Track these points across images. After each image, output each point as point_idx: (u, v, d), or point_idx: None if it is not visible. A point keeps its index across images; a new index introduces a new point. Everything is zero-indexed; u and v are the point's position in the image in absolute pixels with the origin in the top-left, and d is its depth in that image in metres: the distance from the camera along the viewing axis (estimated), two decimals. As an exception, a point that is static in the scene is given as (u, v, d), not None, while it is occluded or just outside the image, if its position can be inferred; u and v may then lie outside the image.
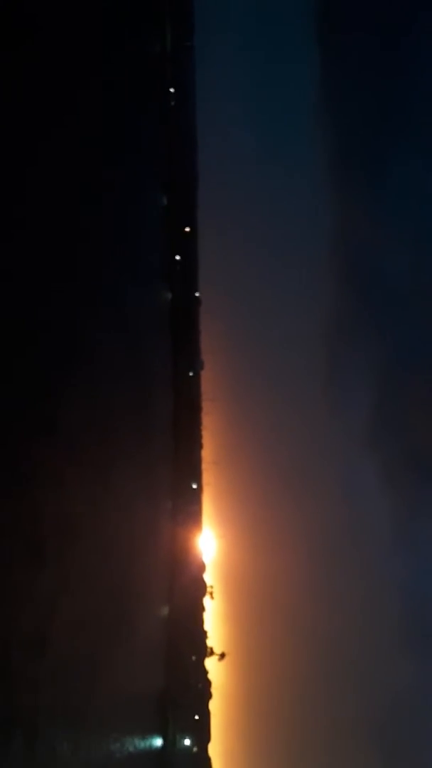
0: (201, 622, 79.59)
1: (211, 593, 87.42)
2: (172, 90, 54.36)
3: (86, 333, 17.75)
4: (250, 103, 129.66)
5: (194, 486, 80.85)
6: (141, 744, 33.15)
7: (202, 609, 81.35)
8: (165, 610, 50.01)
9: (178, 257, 56.26)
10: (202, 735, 65.55)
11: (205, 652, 78.29)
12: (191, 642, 65.78)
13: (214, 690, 76.72)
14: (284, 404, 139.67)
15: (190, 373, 71.45)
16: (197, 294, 70.96)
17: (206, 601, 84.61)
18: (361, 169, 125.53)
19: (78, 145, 16.89)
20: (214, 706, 75.01)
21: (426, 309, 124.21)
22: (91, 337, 18.37)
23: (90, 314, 18.36)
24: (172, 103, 54.75)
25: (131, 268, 29.50)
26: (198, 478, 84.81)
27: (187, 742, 58.01)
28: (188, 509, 73.38)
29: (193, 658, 68.03)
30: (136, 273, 31.93)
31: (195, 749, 60.47)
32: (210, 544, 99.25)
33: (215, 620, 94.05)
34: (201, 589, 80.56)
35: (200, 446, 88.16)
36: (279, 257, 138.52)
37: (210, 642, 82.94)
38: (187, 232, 61.96)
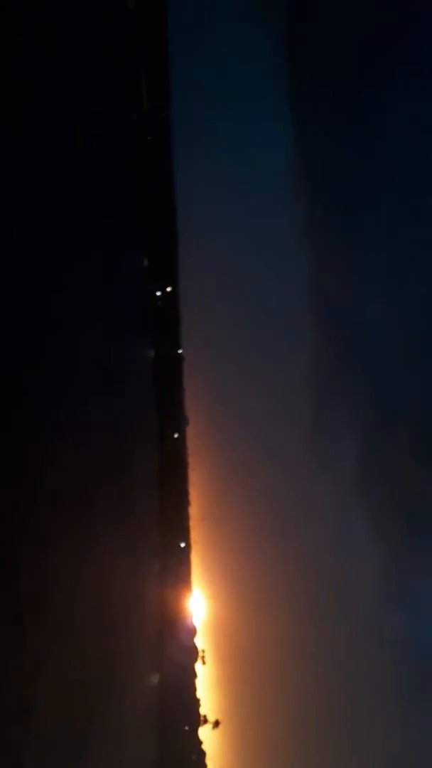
0: (193, 689, 76.52)
1: (203, 658, 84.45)
2: (147, 154, 56.59)
3: (67, 394, 17.79)
4: (225, 161, 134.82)
5: (182, 545, 79.37)
6: None
7: (194, 675, 78.37)
8: (155, 679, 48.12)
9: (159, 316, 57.18)
10: None
11: (198, 721, 74.92)
12: (183, 711, 63.06)
13: (209, 761, 73.00)
14: (270, 457, 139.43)
15: (175, 435, 71.37)
16: (180, 351, 71.76)
17: (198, 666, 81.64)
18: (338, 221, 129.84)
19: (53, 209, 17.38)
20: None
21: (408, 355, 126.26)
22: (73, 397, 18.40)
23: (71, 374, 18.46)
24: (148, 169, 56.90)
25: (112, 328, 29.86)
26: (186, 537, 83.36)
27: None
28: (177, 569, 71.79)
29: (186, 728, 65.02)
30: (117, 333, 32.32)
31: None
32: (200, 605, 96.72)
33: (208, 686, 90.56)
34: (192, 654, 77.81)
35: (187, 503, 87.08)
36: (260, 311, 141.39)
37: (203, 710, 79.51)
38: (168, 291, 63.20)
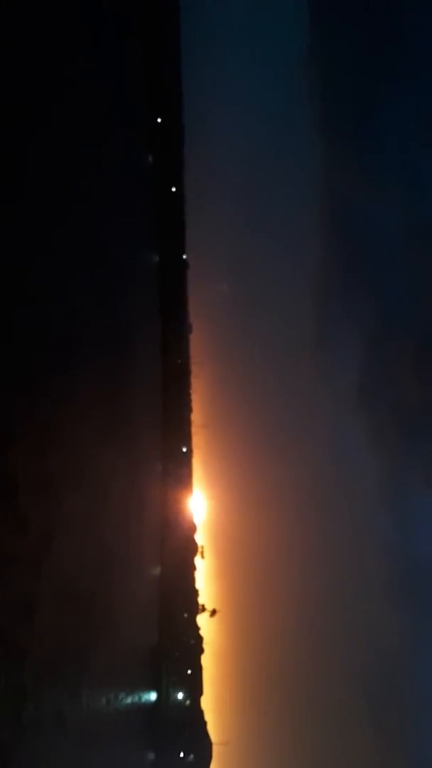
0: (192, 580, 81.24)
1: (202, 552, 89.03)
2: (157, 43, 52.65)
3: (70, 298, 17.54)
4: (238, 54, 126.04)
5: (184, 449, 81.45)
6: (136, 698, 34.19)
7: (194, 568, 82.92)
8: (157, 570, 50.98)
9: (164, 219, 55.33)
10: (195, 688, 67.62)
11: (196, 609, 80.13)
12: (183, 599, 67.26)
13: (206, 645, 78.86)
14: (273, 366, 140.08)
15: (179, 339, 71.22)
16: (185, 256, 70.15)
17: (197, 560, 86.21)
18: (351, 125, 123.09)
19: (68, 98, 16.38)
20: (206, 660, 77.25)
21: (416, 265, 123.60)
22: (75, 302, 18.16)
23: (73, 279, 18.11)
24: (158, 59, 53.07)
25: (116, 229, 28.99)
26: (188, 442, 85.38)
27: (180, 695, 59.90)
28: (178, 472, 74.06)
29: (185, 615, 69.67)
30: (121, 235, 31.42)
31: (188, 702, 62.48)
32: (201, 505, 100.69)
33: (206, 578, 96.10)
34: (192, 548, 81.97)
35: (190, 410, 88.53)
36: (267, 218, 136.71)
37: (201, 599, 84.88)
38: (173, 192, 60.81)
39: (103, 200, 24.33)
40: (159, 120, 52.40)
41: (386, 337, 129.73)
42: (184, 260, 70.43)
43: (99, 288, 22.99)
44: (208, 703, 73.94)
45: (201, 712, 68.02)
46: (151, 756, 43.68)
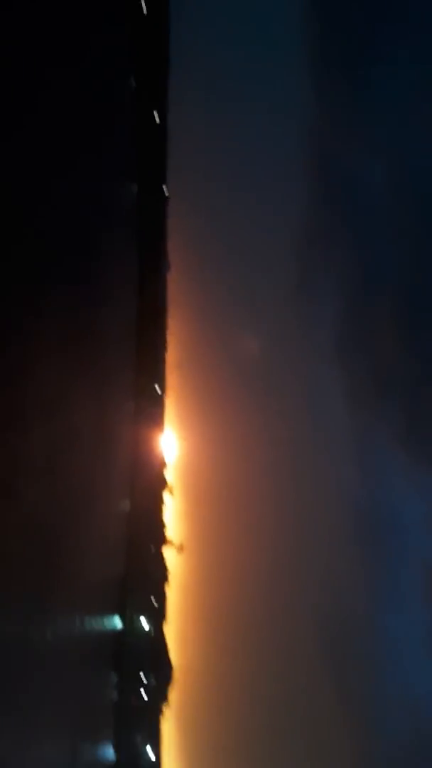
0: (161, 516, 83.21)
1: (171, 490, 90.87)
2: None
3: (39, 229, 16.91)
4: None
5: (157, 389, 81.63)
6: (101, 624, 35.48)
7: (163, 504, 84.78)
8: (126, 505, 51.96)
9: (145, 149, 53.20)
10: (159, 618, 70.40)
11: (164, 543, 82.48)
12: (151, 534, 69.05)
13: (172, 578, 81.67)
14: (252, 312, 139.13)
15: (156, 278, 69.96)
16: (165, 191, 68.01)
17: (167, 497, 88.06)
18: (344, 69, 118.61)
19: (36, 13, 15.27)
20: (171, 592, 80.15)
21: (400, 225, 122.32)
22: (45, 233, 17.53)
23: (44, 209, 17.41)
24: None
25: (92, 156, 27.80)
26: (161, 382, 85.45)
27: (144, 623, 62.30)
28: (151, 411, 74.47)
29: (152, 548, 71.68)
30: (98, 162, 30.17)
31: (152, 630, 65.10)
32: (172, 445, 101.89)
33: (176, 516, 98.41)
34: (161, 484, 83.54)
35: (164, 350, 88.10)
36: (253, 157, 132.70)
37: (169, 535, 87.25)
38: (155, 120, 58.28)
39: (78, 124, 23.20)
40: (142, 47, 49.65)
41: (366, 292, 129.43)
42: (165, 194, 68.32)
43: (72, 219, 22.23)
44: (171, 631, 77.24)
45: (164, 639, 71.11)
46: (115, 679, 45.75)
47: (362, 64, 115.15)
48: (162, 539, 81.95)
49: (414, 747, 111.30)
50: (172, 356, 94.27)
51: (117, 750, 45.17)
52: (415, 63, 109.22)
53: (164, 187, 67.27)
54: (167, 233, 75.49)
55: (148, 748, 61.02)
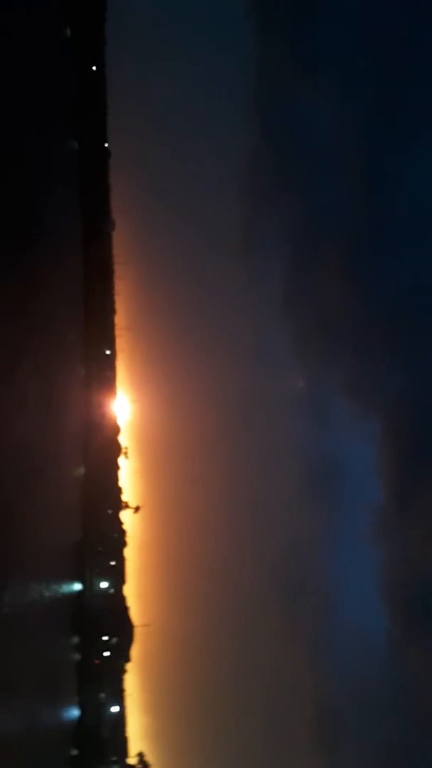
0: (116, 479, 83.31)
1: (125, 453, 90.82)
2: None
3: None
4: None
5: (108, 352, 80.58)
6: (61, 588, 35.57)
7: (118, 467, 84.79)
8: (80, 470, 51.67)
9: (84, 100, 50.92)
10: (118, 578, 71.18)
11: (120, 505, 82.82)
12: (107, 497, 69.15)
13: (129, 539, 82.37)
14: (199, 268, 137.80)
15: (101, 236, 68.10)
16: (106, 145, 65.57)
17: (121, 460, 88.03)
18: (289, 11, 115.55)
19: None
20: (130, 552, 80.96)
21: (346, 170, 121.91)
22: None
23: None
24: None
25: (29, 111, 26.38)
26: (111, 345, 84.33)
27: (104, 584, 62.92)
28: (102, 375, 73.62)
29: (110, 511, 71.92)
30: (36, 117, 28.68)
31: (111, 591, 65.88)
32: (125, 408, 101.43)
33: (131, 478, 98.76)
34: (116, 449, 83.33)
35: (113, 312, 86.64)
36: (196, 107, 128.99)
37: (125, 497, 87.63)
38: (93, 71, 55.73)
39: (13, 79, 21.90)
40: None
41: (312, 241, 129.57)
42: (106, 148, 65.87)
43: (11, 177, 21.19)
44: (131, 591, 78.35)
45: (124, 599, 72.13)
46: (76, 640, 46.29)
47: (307, 13, 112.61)
48: (118, 501, 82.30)
49: (363, 679, 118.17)
50: (121, 318, 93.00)
51: (81, 708, 46.06)
52: (359, 11, 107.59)
53: (105, 141, 64.90)
54: (110, 190, 73.19)
55: (113, 705, 62.51)
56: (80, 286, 55.53)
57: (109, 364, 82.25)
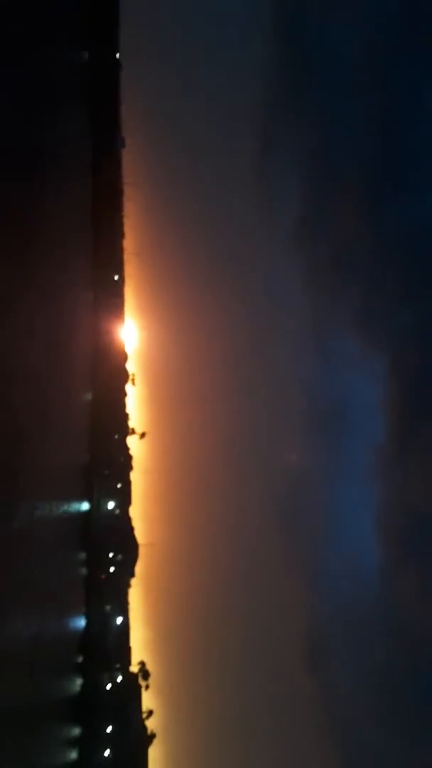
0: (123, 405, 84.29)
1: (133, 380, 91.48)
2: None
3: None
4: None
5: (116, 278, 79.50)
6: (70, 508, 36.72)
7: (124, 394, 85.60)
8: (88, 396, 52.16)
9: (93, 7, 47.72)
10: (124, 500, 73.37)
11: (127, 431, 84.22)
12: (114, 422, 70.23)
13: (135, 463, 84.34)
14: (211, 192, 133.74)
15: (110, 155, 65.58)
16: (117, 56, 62.00)
17: (128, 387, 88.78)
18: None
19: None
20: (135, 476, 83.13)
21: (365, 92, 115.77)
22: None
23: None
24: None
25: (35, 17, 24.75)
26: (119, 270, 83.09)
27: (110, 505, 64.96)
28: (110, 301, 72.96)
29: (116, 436, 73.22)
30: (42, 25, 26.95)
31: (117, 511, 68.05)
32: (132, 335, 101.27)
33: (137, 404, 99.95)
34: (123, 376, 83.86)
35: (122, 236, 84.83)
36: (212, 23, 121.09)
37: (132, 423, 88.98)
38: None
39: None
40: None
41: (329, 172, 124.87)
42: (117, 60, 62.35)
43: (15, 89, 20.12)
44: (136, 512, 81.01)
45: (129, 519, 74.64)
46: (83, 556, 48.26)
47: None
48: (125, 427, 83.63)
49: (355, 603, 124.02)
50: (129, 243, 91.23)
51: (88, 619, 48.63)
52: None
53: (116, 51, 61.33)
54: (120, 104, 69.94)
55: (118, 617, 65.98)
56: (88, 208, 54.03)
57: (117, 289, 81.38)
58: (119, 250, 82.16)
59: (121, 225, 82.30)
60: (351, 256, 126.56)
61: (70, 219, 38.21)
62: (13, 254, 18.44)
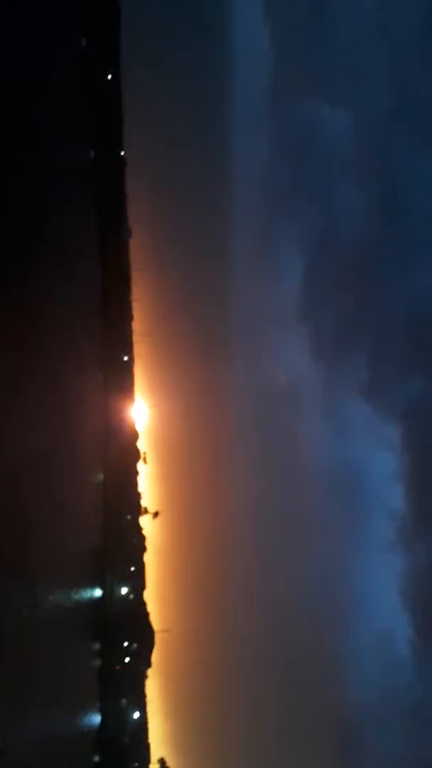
0: (135, 484, 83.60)
1: (144, 458, 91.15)
2: None
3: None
4: None
5: (125, 358, 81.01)
6: (82, 594, 35.72)
7: (136, 473, 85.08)
8: (100, 476, 51.92)
9: (99, 110, 51.36)
10: (138, 583, 71.35)
11: (139, 511, 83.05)
12: (126, 503, 69.40)
13: (149, 544, 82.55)
14: (215, 274, 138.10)
15: (118, 244, 68.53)
16: (122, 153, 66.04)
17: (140, 465, 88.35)
18: (301, 20, 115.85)
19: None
20: (149, 558, 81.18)
21: (361, 176, 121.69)
22: (3, 201, 16.86)
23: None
24: None
25: (46, 121, 26.70)
26: (129, 351, 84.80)
27: (124, 590, 63.09)
28: (120, 381, 74.01)
29: (129, 517, 72.15)
30: (52, 127, 29.03)
31: (132, 596, 66.04)
32: (143, 413, 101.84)
33: (149, 483, 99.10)
34: (134, 454, 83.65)
35: (131, 318, 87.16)
36: (211, 115, 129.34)
37: (144, 502, 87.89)
38: (109, 79, 56.20)
39: (30, 89, 22.19)
40: (93, 1, 47.52)
41: (329, 246, 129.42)
42: (122, 157, 66.34)
43: (28, 187, 21.45)
44: (150, 596, 78.52)
45: (144, 605, 72.22)
46: (97, 646, 46.42)
47: (321, 17, 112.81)
48: (138, 507, 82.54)
49: (385, 688, 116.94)
50: (138, 324, 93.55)
51: (103, 714, 46.16)
52: (374, 12, 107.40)
53: (122, 149, 65.31)
54: (126, 198, 73.74)
55: (134, 711, 62.58)
56: (98, 294, 55.95)
57: (127, 370, 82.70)
58: (128, 332, 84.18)
59: (129, 308, 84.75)
60: (356, 326, 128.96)
61: (80, 304, 39.51)
62: (23, 337, 19.00)
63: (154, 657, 70.93)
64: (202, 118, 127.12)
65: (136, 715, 62.98)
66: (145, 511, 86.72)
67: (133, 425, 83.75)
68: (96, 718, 43.40)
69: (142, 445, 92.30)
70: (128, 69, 62.64)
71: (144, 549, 79.58)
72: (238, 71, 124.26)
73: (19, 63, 20.41)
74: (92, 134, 50.71)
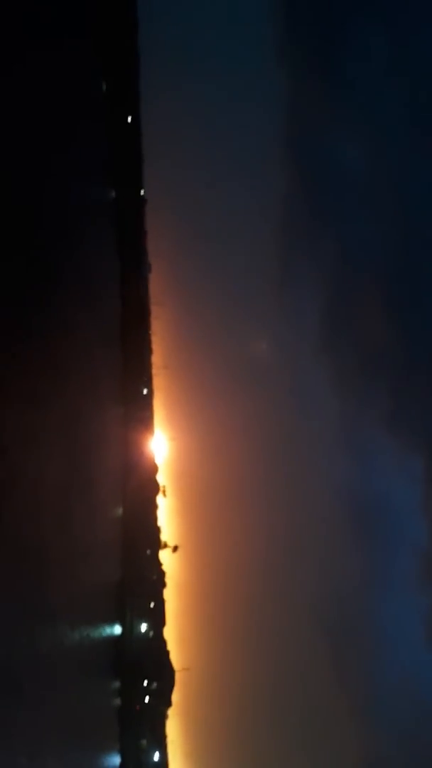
0: (155, 518, 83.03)
1: (163, 491, 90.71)
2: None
3: (25, 233, 16.75)
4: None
5: (145, 392, 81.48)
6: (101, 631, 35.27)
7: (156, 507, 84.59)
8: (119, 510, 51.73)
9: (120, 151, 52.96)
10: (158, 620, 70.19)
11: (159, 545, 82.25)
12: (146, 537, 68.84)
13: (169, 579, 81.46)
14: (235, 307, 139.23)
15: (137, 280, 69.69)
16: (142, 192, 67.77)
17: (159, 499, 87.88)
18: (317, 56, 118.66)
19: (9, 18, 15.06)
20: (169, 594, 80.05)
21: (381, 205, 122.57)
22: (24, 241, 17.34)
23: (18, 213, 17.22)
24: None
25: (69, 162, 27.58)
26: (148, 384, 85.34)
27: (143, 627, 62.09)
28: (139, 415, 74.26)
29: (148, 551, 71.47)
30: (74, 168, 29.96)
31: (151, 633, 64.93)
32: (162, 446, 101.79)
33: (169, 516, 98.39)
34: (154, 488, 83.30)
35: (150, 352, 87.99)
36: (229, 151, 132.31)
37: (164, 536, 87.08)
38: (129, 122, 58.01)
39: (54, 131, 22.98)
40: (112, 46, 49.37)
41: (350, 278, 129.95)
42: (142, 196, 68.08)
43: (53, 226, 22.05)
44: (170, 633, 77.16)
45: (164, 642, 70.91)
46: (116, 685, 45.57)
47: (336, 50, 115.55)
48: (157, 541, 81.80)
49: (413, 730, 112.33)
50: (158, 357, 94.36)
51: (123, 755, 45.00)
52: (388, 47, 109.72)
53: (141, 188, 67.04)
54: (146, 234, 75.33)
55: (155, 752, 60.93)
56: (118, 328, 56.69)
57: (147, 403, 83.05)
58: (148, 366, 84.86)
59: (149, 341, 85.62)
60: (377, 358, 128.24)
61: (100, 338, 40.06)
62: (44, 371, 19.27)
63: (175, 696, 69.33)
64: (219, 152, 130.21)
65: (157, 756, 61.27)
66: (165, 545, 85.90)
67: (153, 458, 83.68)
68: (116, 760, 42.33)
69: (161, 478, 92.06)
70: (149, 110, 64.81)
71: (164, 584, 78.55)
72: (255, 103, 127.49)
73: (44, 109, 21.21)
74: (114, 175, 52.17)
